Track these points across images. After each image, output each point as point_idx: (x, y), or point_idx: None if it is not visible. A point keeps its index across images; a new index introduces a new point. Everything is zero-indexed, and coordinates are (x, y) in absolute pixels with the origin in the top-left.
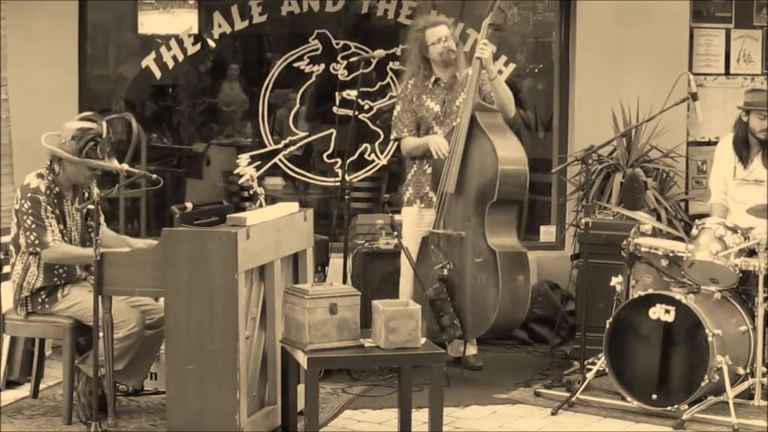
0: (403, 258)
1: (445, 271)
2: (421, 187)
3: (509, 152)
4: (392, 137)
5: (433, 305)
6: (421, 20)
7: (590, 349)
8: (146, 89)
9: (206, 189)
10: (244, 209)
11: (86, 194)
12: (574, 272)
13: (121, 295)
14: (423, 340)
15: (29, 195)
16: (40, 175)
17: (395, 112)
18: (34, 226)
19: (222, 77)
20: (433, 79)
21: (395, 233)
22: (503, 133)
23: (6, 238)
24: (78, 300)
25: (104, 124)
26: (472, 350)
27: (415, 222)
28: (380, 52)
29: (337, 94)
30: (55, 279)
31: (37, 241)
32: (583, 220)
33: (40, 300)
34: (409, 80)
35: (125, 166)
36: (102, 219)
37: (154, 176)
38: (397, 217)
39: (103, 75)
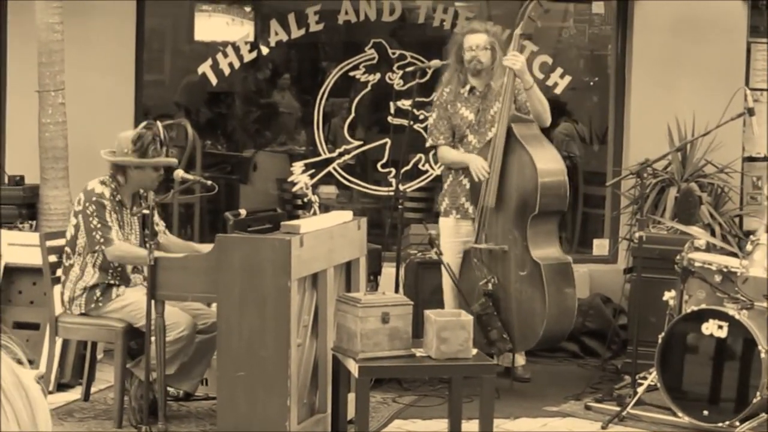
0: (445, 272)
1: (490, 286)
2: (456, 197)
3: (548, 163)
4: (428, 144)
5: (480, 320)
6: (469, 24)
7: (642, 364)
8: (202, 96)
9: (260, 196)
10: (297, 217)
11: (143, 202)
12: (627, 286)
13: (174, 300)
14: (474, 350)
15: (94, 199)
16: (103, 183)
17: (431, 119)
18: (99, 225)
19: (277, 85)
20: (468, 87)
21: (435, 250)
22: (541, 144)
23: (61, 242)
24: (131, 300)
25: (159, 124)
26: (521, 361)
27: (452, 233)
28: (436, 62)
29: (392, 103)
30: (110, 278)
31: (102, 239)
32: (636, 234)
33: (95, 298)
34: (445, 87)
35: (180, 172)
36: (164, 227)
37: (209, 182)
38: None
39: (158, 81)
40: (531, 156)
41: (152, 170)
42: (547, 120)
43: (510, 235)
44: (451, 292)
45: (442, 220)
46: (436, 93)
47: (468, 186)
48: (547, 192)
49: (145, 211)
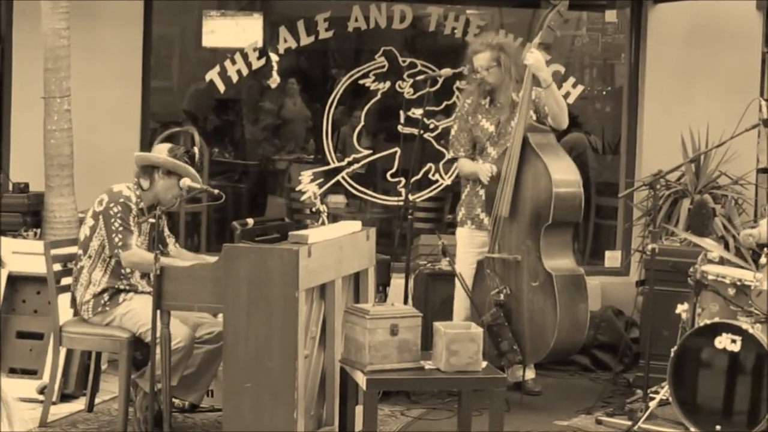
0: (458, 282)
1: (502, 296)
2: (472, 208)
3: (562, 174)
4: (449, 156)
5: (491, 331)
6: (474, 43)
7: (654, 378)
8: (209, 103)
9: (268, 205)
10: (306, 227)
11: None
12: (639, 299)
13: (181, 310)
14: (484, 363)
15: (121, 200)
16: (129, 188)
17: (453, 131)
18: (121, 228)
19: (286, 92)
20: (488, 98)
21: (447, 260)
22: (556, 154)
23: (65, 250)
24: (133, 307)
25: (195, 132)
26: (530, 374)
27: (467, 243)
28: (447, 71)
29: (402, 112)
30: (119, 283)
31: (120, 243)
32: (649, 246)
33: (102, 302)
34: (467, 99)
35: (187, 180)
36: (174, 241)
37: (216, 191)
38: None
39: (166, 88)
40: (546, 165)
41: (177, 184)
42: (564, 122)
43: (523, 245)
44: (461, 302)
45: (458, 230)
46: (458, 105)
47: (484, 197)
48: (561, 202)
49: (152, 220)
